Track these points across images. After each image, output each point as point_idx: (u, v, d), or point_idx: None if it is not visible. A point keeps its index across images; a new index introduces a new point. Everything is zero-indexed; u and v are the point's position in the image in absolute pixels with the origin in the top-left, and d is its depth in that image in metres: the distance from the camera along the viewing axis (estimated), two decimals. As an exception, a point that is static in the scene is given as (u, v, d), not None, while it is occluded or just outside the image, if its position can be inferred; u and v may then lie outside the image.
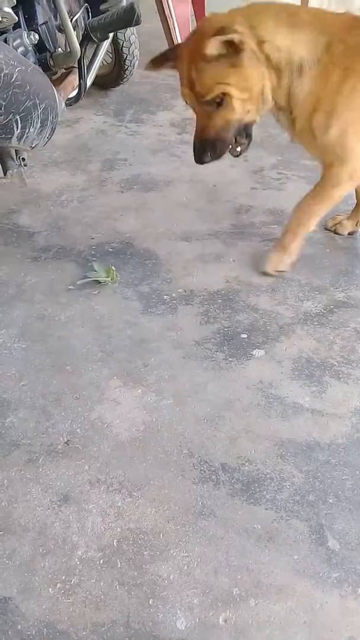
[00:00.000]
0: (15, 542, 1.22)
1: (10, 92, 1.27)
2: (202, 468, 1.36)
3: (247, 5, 1.66)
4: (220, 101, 1.64)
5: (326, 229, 2.16)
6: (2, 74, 1.22)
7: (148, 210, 2.29)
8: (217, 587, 1.15)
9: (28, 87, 1.36)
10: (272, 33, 1.59)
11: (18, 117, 1.35)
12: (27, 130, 1.43)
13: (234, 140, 1.76)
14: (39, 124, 1.47)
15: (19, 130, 1.39)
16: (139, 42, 3.11)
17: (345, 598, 1.14)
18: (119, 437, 1.44)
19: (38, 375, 1.60)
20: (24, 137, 1.44)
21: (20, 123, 1.37)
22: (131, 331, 1.75)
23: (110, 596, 1.14)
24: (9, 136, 1.38)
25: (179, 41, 3.73)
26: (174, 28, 3.71)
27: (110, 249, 2.09)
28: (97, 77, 3.11)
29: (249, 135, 1.80)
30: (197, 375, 1.60)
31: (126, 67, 3.14)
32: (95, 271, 1.91)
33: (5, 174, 1.75)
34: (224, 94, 1.62)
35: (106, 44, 2.36)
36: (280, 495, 1.31)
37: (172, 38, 3.74)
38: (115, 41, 2.98)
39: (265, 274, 1.94)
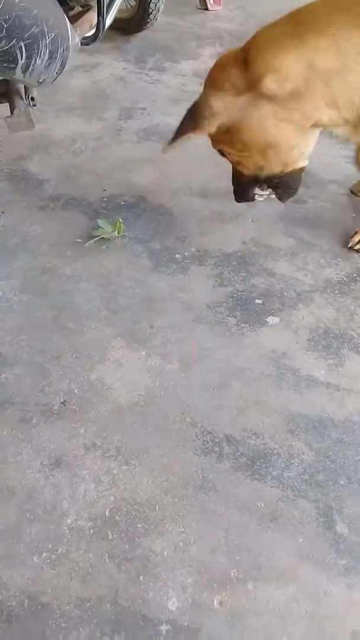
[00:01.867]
0: (2, 506, 1.15)
1: (13, 14, 1.13)
2: (205, 439, 1.27)
3: (256, 34, 1.39)
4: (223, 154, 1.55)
5: (352, 192, 2.00)
6: (5, -10, 1.09)
7: (165, 163, 2.15)
8: (214, 567, 1.07)
9: (35, 12, 1.22)
10: (271, 60, 1.32)
11: (22, 44, 1.21)
12: (33, 61, 1.29)
13: (255, 189, 1.62)
14: (46, 56, 1.33)
15: (23, 60, 1.26)
16: (166, -14, 2.92)
17: (352, 588, 1.05)
18: (118, 401, 1.35)
19: (37, 331, 1.51)
20: (30, 68, 1.30)
21: (25, 51, 1.24)
22: (139, 290, 1.64)
23: (98, 569, 1.06)
24: (12, 66, 1.25)
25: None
26: (204, -27, 3.49)
27: (122, 202, 1.96)
28: (119, 21, 2.95)
29: (289, 187, 1.61)
30: (206, 340, 1.50)
31: (150, 11, 2.95)
32: (101, 228, 1.79)
33: (12, 112, 1.62)
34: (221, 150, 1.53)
35: (129, -19, 2.20)
36: (287, 473, 1.21)
37: (201, -17, 3.52)
38: (140, -19, 2.79)
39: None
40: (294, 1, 1.40)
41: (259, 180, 1.57)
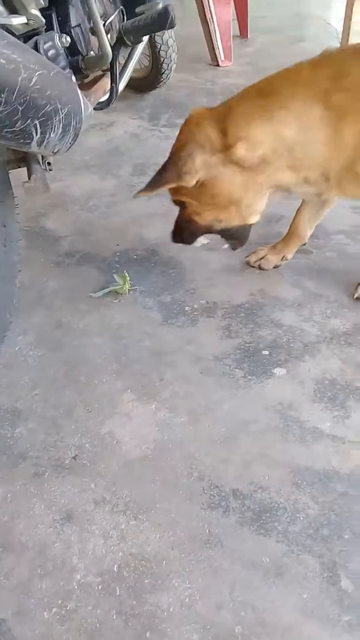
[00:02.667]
0: (14, 561, 1.19)
1: (28, 97, 1.23)
2: (211, 493, 1.30)
3: (229, 99, 1.58)
4: (183, 204, 1.66)
5: (249, 264, 1.99)
6: (20, 78, 1.18)
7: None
8: (219, 624, 1.09)
9: (49, 92, 1.32)
10: (244, 130, 1.48)
11: (37, 122, 1.31)
12: (47, 136, 1.39)
13: (201, 235, 1.76)
14: (60, 130, 1.42)
15: (38, 136, 1.35)
16: (178, 45, 3.07)
17: (356, 646, 1.06)
18: (128, 455, 1.39)
19: (51, 385, 1.57)
20: (45, 142, 1.40)
21: (40, 128, 1.33)
22: (149, 342, 1.70)
23: (106, 625, 1.09)
24: (28, 141, 1.34)
25: (219, 45, 3.69)
26: (215, 32, 3.67)
27: (135, 256, 2.04)
28: (133, 80, 3.11)
29: (238, 238, 1.76)
30: (213, 393, 1.54)
31: (163, 70, 3.11)
32: (116, 282, 1.87)
33: (29, 177, 1.72)
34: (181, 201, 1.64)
35: (140, 48, 2.33)
36: (292, 528, 1.23)
37: (212, 42, 3.70)
38: (152, 44, 2.95)
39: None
40: (302, 55, 1.51)
41: (210, 231, 1.70)
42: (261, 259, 1.95)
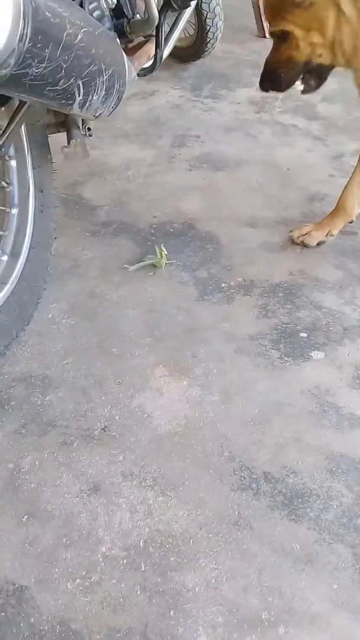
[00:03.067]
0: (39, 529, 1.18)
1: (72, 55, 1.18)
2: (242, 474, 1.26)
3: None
4: (284, 37, 1.55)
5: (293, 241, 1.91)
6: (65, 34, 1.13)
7: (215, 191, 2.18)
8: (245, 608, 1.06)
9: (94, 51, 1.27)
10: None
11: (80, 82, 1.26)
12: (90, 97, 1.34)
13: (298, 78, 1.67)
14: (103, 92, 1.37)
15: (81, 97, 1.30)
16: (225, 15, 2.96)
17: (387, 641, 1.02)
18: (158, 430, 1.36)
19: (83, 355, 1.54)
20: (87, 104, 1.35)
21: (83, 89, 1.28)
22: (183, 318, 1.66)
23: (130, 601, 1.07)
24: (70, 102, 1.29)
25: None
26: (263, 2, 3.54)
27: (171, 229, 1.99)
28: (177, 49, 3.01)
29: (321, 78, 1.69)
30: (247, 373, 1.49)
31: (208, 39, 3.00)
32: (152, 255, 1.82)
33: (69, 143, 1.68)
34: (285, 31, 1.53)
35: (187, 14, 2.24)
36: (325, 515, 1.19)
37: (259, 13, 3.56)
38: (199, 12, 2.84)
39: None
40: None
41: (307, 67, 1.63)
42: (305, 234, 1.88)
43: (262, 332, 1.61)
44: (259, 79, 1.72)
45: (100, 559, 1.13)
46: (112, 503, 1.22)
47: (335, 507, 1.20)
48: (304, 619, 1.05)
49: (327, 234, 1.87)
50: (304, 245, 1.88)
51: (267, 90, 1.74)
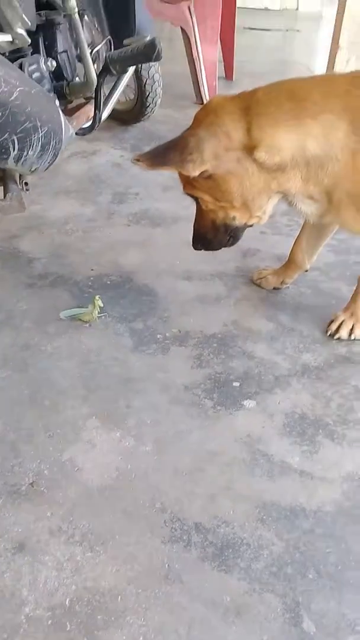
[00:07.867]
0: None
1: (7, 111, 1.22)
2: (173, 526, 1.25)
3: (253, 91, 1.47)
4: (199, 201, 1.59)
5: (252, 281, 2.04)
6: (0, 91, 1.18)
7: (152, 245, 2.24)
8: (174, 666, 1.03)
9: (29, 109, 1.32)
10: (269, 134, 1.40)
11: (15, 137, 1.30)
12: (25, 153, 1.38)
13: (224, 238, 1.68)
14: (39, 148, 1.42)
15: (15, 152, 1.34)
16: (165, 83, 3.12)
17: None
18: (88, 483, 1.33)
19: (13, 408, 1.51)
20: (22, 159, 1.39)
21: (18, 144, 1.33)
22: (118, 369, 1.66)
23: (53, 665, 1.02)
24: (5, 157, 1.33)
25: (205, 85, 3.77)
26: (201, 71, 3.75)
27: (109, 282, 2.02)
28: (118, 112, 3.15)
29: (233, 238, 1.69)
30: (181, 423, 1.50)
31: (148, 104, 3.15)
32: (80, 306, 1.84)
33: (4, 196, 1.70)
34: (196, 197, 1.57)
35: (125, 79, 2.36)
36: (255, 565, 1.19)
37: (198, 81, 3.78)
38: (138, 77, 2.99)
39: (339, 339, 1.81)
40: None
41: (227, 230, 1.64)
42: (262, 278, 2.02)
43: (196, 382, 1.63)
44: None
45: (24, 620, 1.08)
46: (38, 561, 1.17)
47: (265, 556, 1.20)
48: (233, 675, 1.02)
49: (281, 282, 1.99)
50: (261, 287, 2.01)
51: (201, 249, 1.75)
